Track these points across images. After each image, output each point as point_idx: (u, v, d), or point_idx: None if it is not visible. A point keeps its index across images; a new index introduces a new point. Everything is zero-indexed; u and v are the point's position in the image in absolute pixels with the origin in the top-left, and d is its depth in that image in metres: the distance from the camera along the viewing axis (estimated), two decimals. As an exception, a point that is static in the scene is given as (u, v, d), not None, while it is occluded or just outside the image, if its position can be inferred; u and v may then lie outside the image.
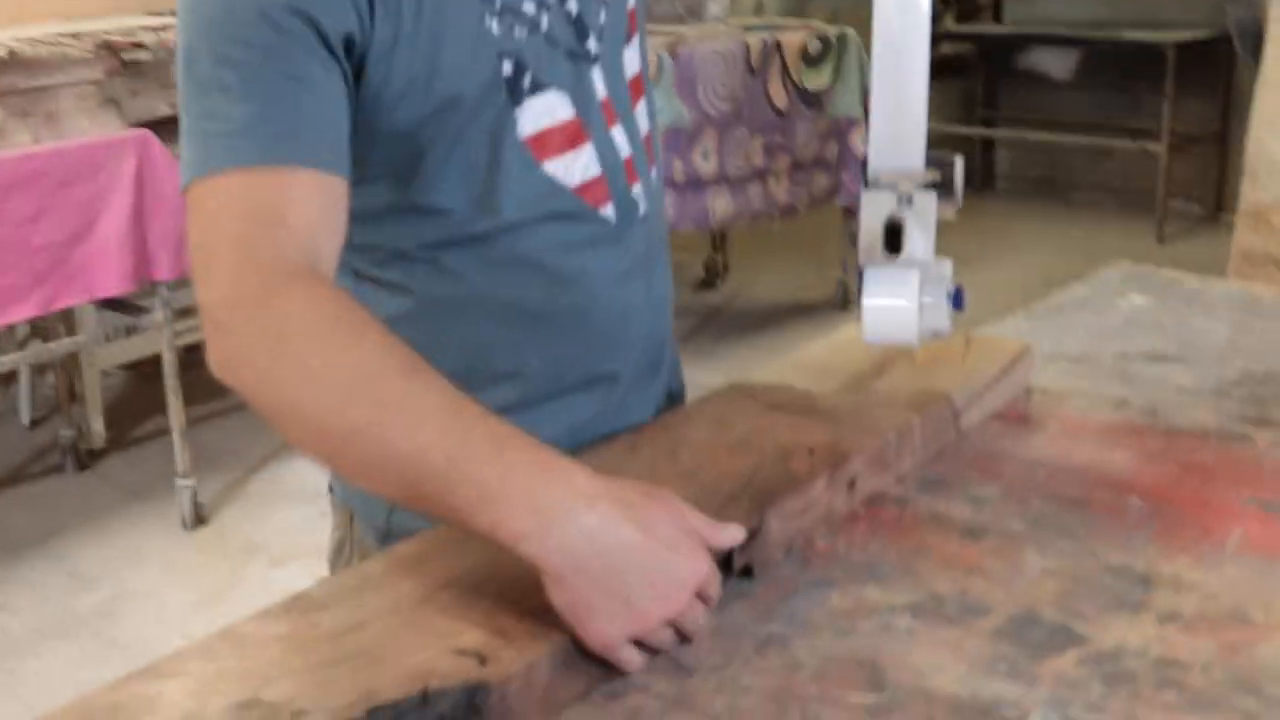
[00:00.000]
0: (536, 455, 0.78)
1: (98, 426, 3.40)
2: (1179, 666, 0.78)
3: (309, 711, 0.70)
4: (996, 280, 4.04)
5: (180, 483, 3.08)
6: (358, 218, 0.93)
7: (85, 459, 3.39)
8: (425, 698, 0.71)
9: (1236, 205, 2.62)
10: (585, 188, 1.03)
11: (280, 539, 3.01)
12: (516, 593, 0.80)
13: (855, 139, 3.99)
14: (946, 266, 1.00)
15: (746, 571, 0.88)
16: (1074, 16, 5.53)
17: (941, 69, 5.86)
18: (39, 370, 3.66)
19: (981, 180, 5.89)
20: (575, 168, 1.02)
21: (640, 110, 1.10)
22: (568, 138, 1.02)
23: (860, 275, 0.98)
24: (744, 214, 3.86)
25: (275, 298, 0.81)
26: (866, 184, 0.97)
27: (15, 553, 2.92)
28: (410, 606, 0.81)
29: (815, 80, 3.96)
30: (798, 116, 3.94)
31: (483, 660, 0.74)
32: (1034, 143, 5.62)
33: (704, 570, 0.79)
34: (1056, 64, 5.65)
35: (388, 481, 0.77)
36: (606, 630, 0.76)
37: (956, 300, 0.98)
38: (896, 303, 0.96)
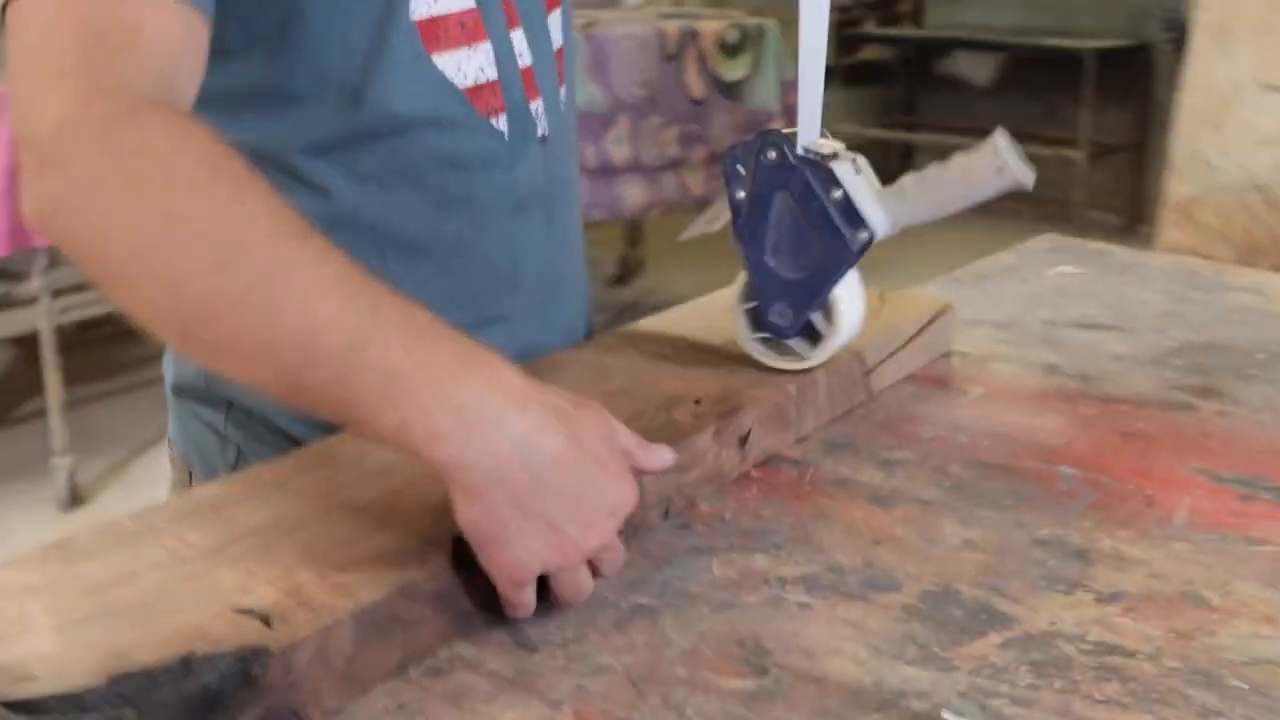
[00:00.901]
0: (459, 345, 0.64)
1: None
2: (1122, 653, 0.65)
3: (37, 677, 0.54)
4: (907, 288, 3.94)
5: (57, 461, 2.92)
6: (206, 104, 0.78)
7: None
8: (187, 665, 0.55)
9: (1154, 216, 2.54)
10: (477, 91, 0.89)
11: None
12: (326, 545, 0.66)
13: (773, 133, 3.87)
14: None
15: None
16: (995, 23, 5.48)
17: (862, 73, 5.80)
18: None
19: (899, 187, 5.82)
20: (468, 67, 0.88)
21: (554, 21, 0.96)
22: (465, 31, 0.88)
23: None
24: (658, 204, 3.72)
25: (130, 128, 0.64)
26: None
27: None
28: (195, 558, 0.65)
29: (733, 71, 3.84)
30: (714, 107, 3.81)
31: (268, 622, 0.59)
32: (953, 148, 5.53)
33: (632, 497, 0.67)
34: (977, 70, 5.60)
35: (265, 365, 0.62)
36: (521, 560, 0.63)
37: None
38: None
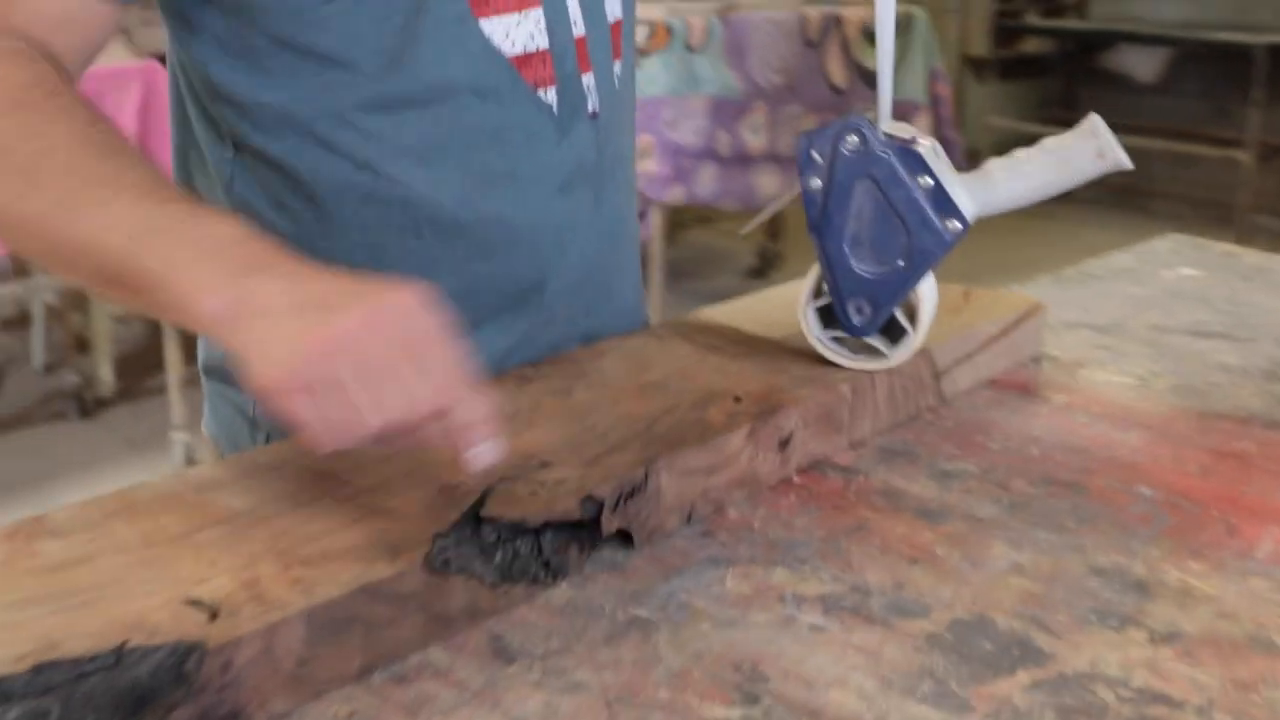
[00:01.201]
0: (249, 245, 0.62)
1: (105, 375, 3.27)
2: (1168, 702, 0.57)
3: (-38, 663, 0.51)
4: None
5: (175, 435, 2.95)
6: (239, 58, 0.78)
7: (90, 407, 3.25)
8: (118, 657, 0.52)
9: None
10: (525, 60, 0.84)
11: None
12: (299, 536, 0.62)
13: (919, 125, 3.76)
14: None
15: (627, 536, 0.69)
16: (1164, 16, 5.24)
17: (1020, 66, 5.61)
18: (56, 315, 3.54)
19: (1056, 185, 5.61)
20: (518, 34, 0.83)
21: None
22: None
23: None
24: (794, 195, 3.64)
25: None
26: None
27: (8, 495, 2.80)
28: (163, 542, 0.62)
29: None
30: (857, 96, 3.71)
31: (214, 615, 0.54)
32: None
33: (444, 381, 0.59)
34: (1142, 65, 5.37)
35: (77, 269, 0.66)
36: (287, 361, 0.58)
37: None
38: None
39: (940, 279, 0.88)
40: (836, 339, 0.85)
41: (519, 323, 0.89)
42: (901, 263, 0.81)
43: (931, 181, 0.80)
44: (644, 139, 3.31)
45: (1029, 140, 0.85)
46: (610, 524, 0.68)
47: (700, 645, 0.61)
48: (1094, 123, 0.80)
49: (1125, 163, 0.79)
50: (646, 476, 0.69)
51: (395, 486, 0.67)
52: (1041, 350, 1.01)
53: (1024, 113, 5.50)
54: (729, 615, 0.64)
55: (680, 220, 4.64)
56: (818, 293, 0.85)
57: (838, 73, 3.67)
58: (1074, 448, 0.84)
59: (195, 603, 0.56)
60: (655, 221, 3.56)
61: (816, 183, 0.83)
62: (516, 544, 0.64)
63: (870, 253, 0.82)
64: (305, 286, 0.59)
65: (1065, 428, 0.87)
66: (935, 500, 0.76)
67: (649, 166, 3.34)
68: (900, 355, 0.84)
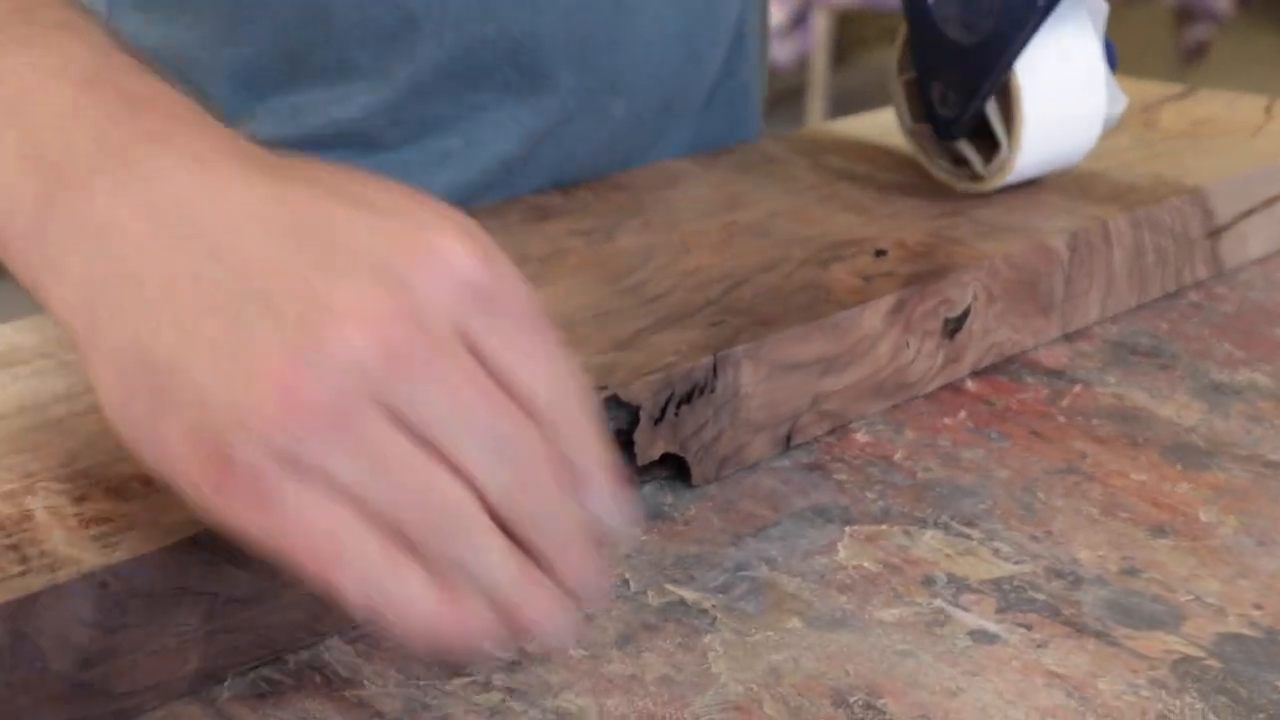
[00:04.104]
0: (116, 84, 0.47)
1: None
2: None
3: None
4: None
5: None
6: None
7: None
8: None
9: None
10: None
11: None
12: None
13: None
14: None
15: (680, 466, 0.60)
16: None
17: None
18: None
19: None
20: None
21: None
22: None
23: None
24: None
25: None
26: None
27: None
28: None
29: None
30: None
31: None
32: None
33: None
34: None
35: None
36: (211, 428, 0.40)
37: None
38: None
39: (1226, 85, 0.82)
40: (927, 136, 0.82)
41: (524, 116, 0.84)
42: (991, 34, 0.76)
43: None
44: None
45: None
46: (652, 445, 0.59)
47: (781, 657, 0.50)
48: None
49: None
50: (716, 370, 0.60)
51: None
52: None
53: None
54: (837, 608, 0.53)
55: (857, 34, 4.50)
56: (902, 67, 0.82)
57: None
58: None
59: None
60: (819, 29, 3.43)
61: None
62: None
63: (957, 10, 0.78)
64: (239, 205, 0.44)
65: None
66: (1201, 430, 0.67)
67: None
68: (992, 178, 0.79)
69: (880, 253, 0.70)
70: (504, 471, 0.40)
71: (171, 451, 0.40)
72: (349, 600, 0.40)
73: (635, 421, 0.57)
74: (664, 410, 0.58)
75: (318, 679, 0.48)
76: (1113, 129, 0.80)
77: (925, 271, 0.68)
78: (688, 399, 0.59)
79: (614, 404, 0.56)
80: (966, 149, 0.79)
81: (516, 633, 0.41)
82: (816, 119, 3.45)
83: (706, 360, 0.59)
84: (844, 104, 3.91)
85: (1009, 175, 0.79)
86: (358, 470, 0.39)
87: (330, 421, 0.38)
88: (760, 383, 0.61)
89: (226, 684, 0.48)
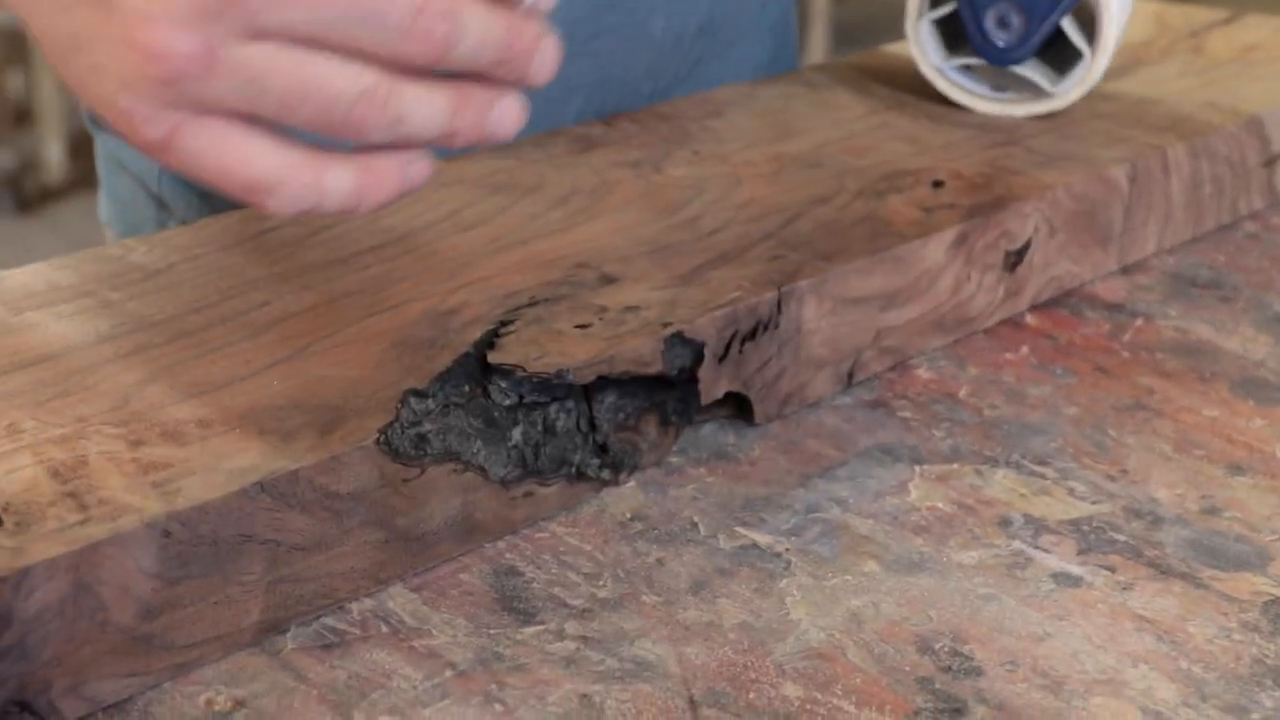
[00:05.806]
0: None
1: (55, 155, 3.26)
2: None
3: None
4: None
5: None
6: None
7: (31, 198, 3.27)
8: None
9: None
10: None
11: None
12: (181, 386, 0.52)
13: None
14: None
15: (741, 405, 0.59)
16: None
17: None
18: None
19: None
20: None
21: None
22: None
23: None
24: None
25: None
26: None
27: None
28: None
29: None
30: None
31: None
32: None
33: None
34: None
35: None
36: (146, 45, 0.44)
37: None
38: None
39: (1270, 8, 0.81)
40: (967, 68, 0.80)
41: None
42: None
43: None
44: None
45: None
46: (715, 383, 0.57)
47: (861, 602, 0.49)
48: None
49: None
50: (780, 305, 0.59)
51: (349, 312, 0.54)
52: None
53: None
54: (913, 550, 0.52)
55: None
56: (923, 6, 0.80)
57: None
58: None
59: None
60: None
61: None
62: (550, 413, 0.52)
63: None
64: None
65: None
66: (1270, 365, 0.66)
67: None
68: (1073, 92, 0.77)
69: (938, 184, 0.68)
70: (385, 36, 0.43)
71: (96, 107, 0.46)
72: (279, 213, 0.45)
73: (698, 360, 0.55)
74: (728, 347, 0.56)
75: (384, 628, 0.47)
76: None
77: (986, 203, 0.66)
78: (751, 335, 0.57)
79: (678, 341, 0.54)
80: (1030, 71, 0.77)
81: (478, 141, 0.46)
82: (819, 52, 3.41)
83: (770, 295, 0.57)
84: (846, 37, 3.88)
85: (1089, 86, 0.77)
86: (246, 93, 0.43)
87: (203, 65, 0.42)
88: (823, 318, 0.59)
89: (290, 634, 0.46)
